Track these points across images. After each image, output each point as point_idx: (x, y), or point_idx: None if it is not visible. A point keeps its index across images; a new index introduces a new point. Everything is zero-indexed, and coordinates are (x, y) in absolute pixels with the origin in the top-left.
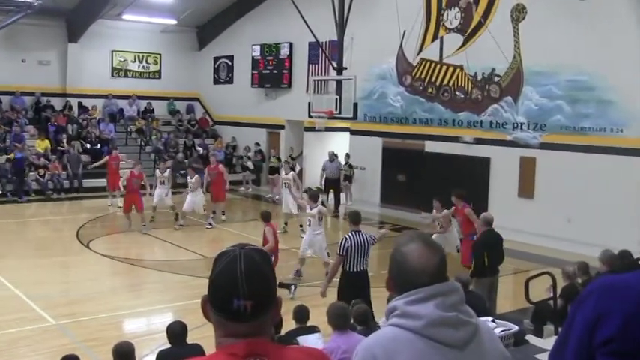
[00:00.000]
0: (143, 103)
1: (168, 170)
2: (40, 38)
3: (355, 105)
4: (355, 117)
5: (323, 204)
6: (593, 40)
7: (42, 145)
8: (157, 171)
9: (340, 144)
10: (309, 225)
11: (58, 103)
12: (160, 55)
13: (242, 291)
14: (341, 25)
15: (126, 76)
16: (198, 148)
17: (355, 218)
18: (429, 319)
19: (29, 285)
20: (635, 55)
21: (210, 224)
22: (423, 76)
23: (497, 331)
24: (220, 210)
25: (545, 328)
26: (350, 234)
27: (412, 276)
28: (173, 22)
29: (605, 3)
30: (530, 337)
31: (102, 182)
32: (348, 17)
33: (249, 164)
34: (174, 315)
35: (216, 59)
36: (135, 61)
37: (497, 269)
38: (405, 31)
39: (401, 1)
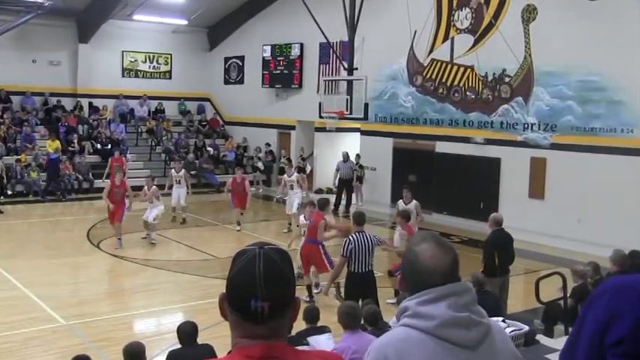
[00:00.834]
0: (154, 104)
1: (183, 170)
2: (50, 38)
3: (366, 105)
4: (366, 117)
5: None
6: (603, 41)
7: (52, 145)
8: (172, 170)
9: (351, 144)
10: (304, 235)
11: (68, 103)
12: (170, 55)
13: (260, 292)
14: (352, 26)
15: (136, 76)
16: (209, 149)
17: (359, 219)
18: (441, 319)
19: (40, 285)
20: None
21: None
22: (433, 76)
23: (507, 331)
24: (239, 216)
25: (555, 328)
26: (353, 235)
27: (424, 276)
28: (184, 22)
29: (616, 3)
30: (541, 338)
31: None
32: (359, 17)
33: (260, 165)
34: (185, 315)
35: (226, 59)
36: (146, 61)
37: (507, 269)
38: (415, 32)
39: (412, 1)
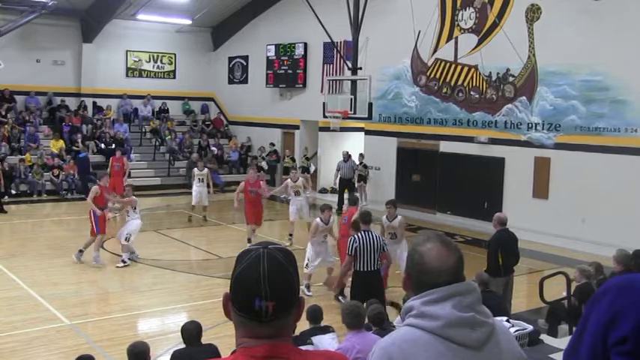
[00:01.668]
0: (158, 103)
1: (206, 168)
2: (54, 38)
3: (370, 105)
4: (370, 117)
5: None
6: (607, 41)
7: (56, 145)
8: (195, 169)
9: (355, 144)
10: (325, 238)
11: (72, 103)
12: (174, 55)
13: (264, 291)
14: (356, 25)
15: (140, 76)
16: (213, 148)
17: (365, 218)
18: (446, 319)
19: (43, 285)
20: None
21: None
22: (437, 76)
23: (511, 331)
24: (251, 232)
25: (559, 328)
26: (359, 234)
27: (429, 276)
28: (188, 22)
29: (620, 3)
30: (545, 337)
31: None
32: (362, 17)
33: (264, 164)
34: (189, 315)
35: (230, 59)
36: (149, 61)
37: (512, 269)
38: (419, 32)
39: (416, 1)
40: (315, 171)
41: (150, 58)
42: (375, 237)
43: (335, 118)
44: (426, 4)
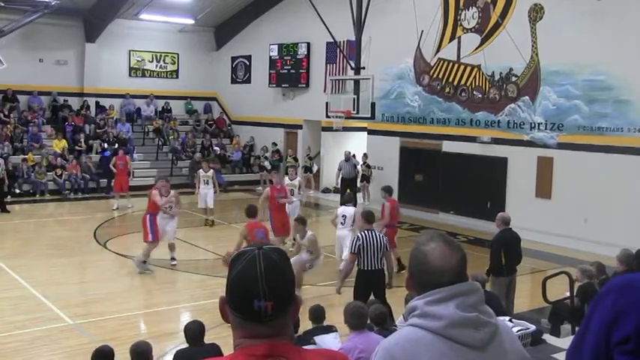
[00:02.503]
0: (161, 103)
1: (211, 170)
2: (57, 38)
3: (373, 105)
4: (373, 117)
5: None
6: (610, 40)
7: (59, 144)
8: (200, 170)
9: (358, 144)
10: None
11: (75, 102)
12: (177, 54)
13: (262, 292)
14: (358, 25)
15: (143, 75)
16: (216, 148)
17: (368, 217)
18: (449, 319)
19: (46, 285)
20: None
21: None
22: (440, 75)
23: (514, 330)
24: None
25: (562, 327)
26: (362, 232)
27: (432, 275)
28: (191, 21)
29: (622, 2)
30: (548, 337)
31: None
32: (365, 17)
33: (267, 164)
34: (192, 315)
35: (233, 59)
36: (152, 60)
37: (514, 269)
38: (422, 31)
39: (418, 1)
40: (318, 171)
41: (153, 58)
42: (377, 236)
43: (338, 117)
44: (428, 3)
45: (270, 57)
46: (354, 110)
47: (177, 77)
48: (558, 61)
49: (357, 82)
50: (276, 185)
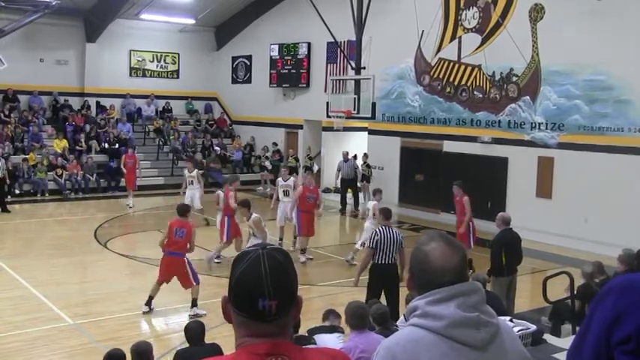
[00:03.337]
0: (161, 103)
1: (195, 170)
2: (58, 38)
3: (373, 105)
4: (373, 117)
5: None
6: (611, 40)
7: (59, 144)
8: (185, 170)
9: (358, 144)
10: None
11: (75, 102)
12: (178, 54)
13: (267, 291)
14: (359, 25)
15: (144, 75)
16: (216, 148)
17: (387, 214)
18: (450, 319)
19: (47, 285)
20: None
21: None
22: (441, 75)
23: (515, 330)
24: (305, 242)
25: (563, 327)
26: (380, 228)
27: (433, 275)
28: (191, 21)
29: (623, 2)
30: (548, 337)
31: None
32: (366, 17)
33: (267, 164)
34: (192, 315)
35: (234, 59)
36: (153, 60)
37: (515, 269)
38: (423, 31)
39: (419, 1)
40: (319, 171)
41: (153, 58)
42: (394, 232)
43: (338, 117)
44: (429, 3)
45: (271, 57)
46: (354, 110)
47: (177, 77)
48: (559, 61)
49: (357, 82)
50: (309, 185)
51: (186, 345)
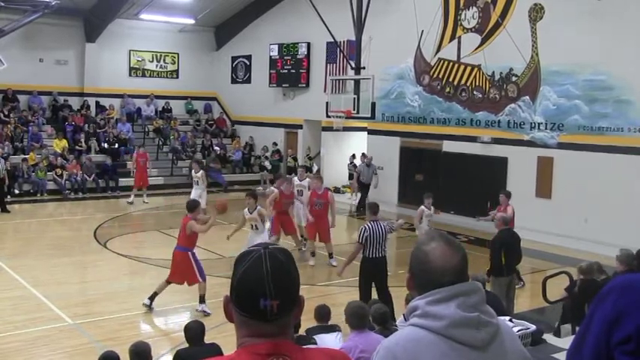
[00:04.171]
0: (161, 103)
1: (201, 170)
2: (57, 38)
3: (373, 105)
4: (373, 117)
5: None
6: (611, 40)
7: (59, 144)
8: (192, 171)
9: (358, 144)
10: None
11: (75, 102)
12: (177, 54)
13: (269, 291)
14: (359, 25)
15: (143, 75)
16: (216, 148)
17: (374, 209)
18: (450, 319)
19: (47, 285)
20: None
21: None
22: (440, 75)
23: (514, 330)
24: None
25: (562, 327)
26: (368, 224)
27: (433, 275)
28: (191, 21)
29: (623, 2)
30: (548, 337)
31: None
32: (366, 17)
33: (267, 164)
34: (192, 315)
35: (234, 59)
36: (152, 60)
37: (514, 269)
38: (422, 31)
39: (419, 0)
40: (318, 171)
41: (153, 58)
42: (382, 227)
43: (338, 117)
44: (429, 3)
45: (271, 57)
46: (354, 110)
47: (177, 77)
48: (558, 61)
49: (357, 82)
50: (317, 190)
51: (186, 345)
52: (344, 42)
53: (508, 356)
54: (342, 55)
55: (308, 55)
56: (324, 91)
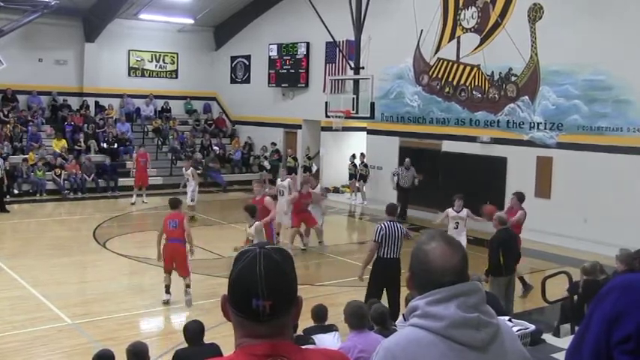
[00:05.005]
0: (160, 103)
1: (191, 168)
2: (57, 38)
3: (372, 104)
4: (372, 116)
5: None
6: (610, 40)
7: (58, 144)
8: (183, 169)
9: (357, 143)
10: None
11: (74, 102)
12: (177, 54)
13: (261, 291)
14: (358, 25)
15: (143, 75)
16: (215, 148)
17: (391, 210)
18: (450, 320)
19: (46, 285)
20: None
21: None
22: (440, 75)
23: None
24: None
25: (562, 327)
26: (385, 223)
27: (434, 275)
28: (190, 21)
29: (622, 2)
30: (547, 337)
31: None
32: (365, 16)
33: (266, 164)
34: (191, 314)
35: (233, 59)
36: (152, 60)
37: (513, 268)
38: (422, 31)
39: (418, 0)
40: (318, 171)
41: (152, 58)
42: (398, 227)
43: (337, 117)
44: (428, 3)
45: (270, 57)
46: (353, 110)
47: (176, 77)
48: (558, 61)
49: (356, 82)
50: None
51: (185, 345)
52: (343, 42)
53: (508, 356)
54: (341, 55)
55: (307, 55)
56: (324, 91)
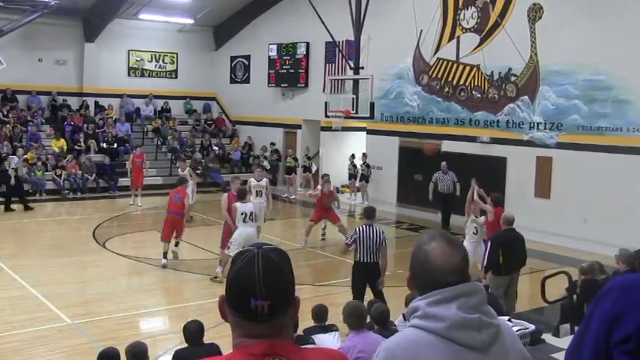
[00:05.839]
0: (160, 103)
1: (187, 168)
2: (56, 38)
3: (372, 104)
4: (372, 116)
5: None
6: (610, 40)
7: (57, 144)
8: (179, 169)
9: (357, 143)
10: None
11: (74, 102)
12: (176, 54)
13: (259, 291)
14: (358, 25)
15: (142, 75)
16: (215, 148)
17: (369, 213)
18: (451, 321)
19: (46, 285)
20: None
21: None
22: (439, 75)
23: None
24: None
25: (561, 327)
26: (361, 226)
27: (434, 275)
28: (190, 21)
29: (622, 2)
30: (547, 337)
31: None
32: (364, 16)
33: (266, 164)
34: (190, 315)
35: (233, 59)
36: (152, 60)
37: (514, 268)
38: (421, 31)
39: (418, 0)
40: (317, 171)
41: (152, 58)
42: (375, 231)
43: (337, 117)
44: (428, 3)
45: (270, 57)
46: (353, 110)
47: (176, 77)
48: (558, 61)
49: (356, 82)
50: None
51: (185, 345)
52: (343, 42)
53: (509, 357)
54: (341, 55)
55: (307, 55)
56: (323, 91)
